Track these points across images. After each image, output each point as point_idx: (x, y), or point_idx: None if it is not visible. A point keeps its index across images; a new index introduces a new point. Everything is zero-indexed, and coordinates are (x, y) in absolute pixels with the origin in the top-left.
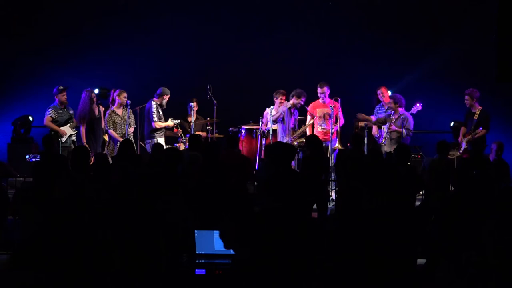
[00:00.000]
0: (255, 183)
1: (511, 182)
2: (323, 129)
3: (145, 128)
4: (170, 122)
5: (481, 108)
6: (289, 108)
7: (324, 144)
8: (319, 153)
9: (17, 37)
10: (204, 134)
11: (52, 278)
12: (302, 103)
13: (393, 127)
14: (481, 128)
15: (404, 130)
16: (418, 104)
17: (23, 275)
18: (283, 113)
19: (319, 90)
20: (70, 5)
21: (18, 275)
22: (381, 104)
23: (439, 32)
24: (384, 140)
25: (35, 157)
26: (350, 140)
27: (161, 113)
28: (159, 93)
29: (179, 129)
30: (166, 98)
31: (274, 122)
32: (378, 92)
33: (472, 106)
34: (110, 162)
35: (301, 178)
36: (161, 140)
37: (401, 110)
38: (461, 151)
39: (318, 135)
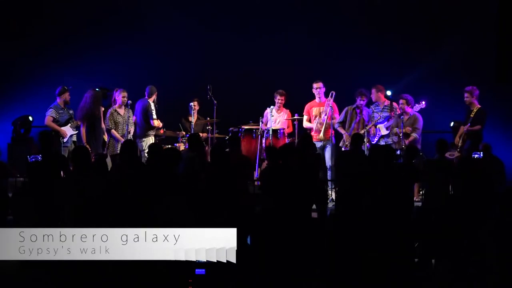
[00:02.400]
0: (256, 183)
1: (505, 179)
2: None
3: (138, 126)
4: (160, 122)
5: (479, 106)
6: (353, 109)
7: (319, 145)
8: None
9: (17, 37)
10: (204, 134)
11: (55, 279)
12: (363, 102)
13: (409, 129)
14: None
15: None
16: (423, 102)
17: (28, 275)
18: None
19: (315, 85)
20: (70, 5)
21: (23, 275)
22: (376, 103)
23: (439, 32)
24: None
25: (36, 157)
26: (350, 140)
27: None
28: (149, 92)
29: (182, 131)
30: (155, 96)
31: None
32: (373, 91)
33: (471, 104)
34: (110, 162)
35: (299, 178)
36: (153, 139)
37: (408, 109)
38: (458, 151)
39: (313, 135)
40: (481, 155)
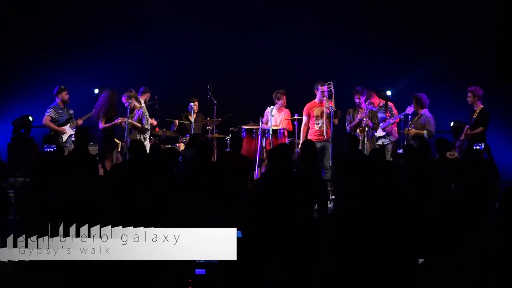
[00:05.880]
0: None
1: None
2: (320, 128)
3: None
4: (154, 121)
5: (482, 107)
6: (354, 109)
7: (319, 145)
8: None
9: (17, 37)
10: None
11: (55, 279)
12: (358, 101)
13: (413, 131)
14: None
15: (425, 132)
16: (408, 108)
17: (29, 275)
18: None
19: (320, 88)
20: (71, 5)
21: (24, 276)
22: (371, 106)
23: (439, 32)
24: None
25: (49, 147)
26: (347, 140)
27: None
28: (143, 91)
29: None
30: (147, 96)
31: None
32: (362, 99)
33: (474, 104)
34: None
35: (298, 178)
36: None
37: (423, 110)
38: (459, 151)
39: (314, 135)
40: (482, 146)
